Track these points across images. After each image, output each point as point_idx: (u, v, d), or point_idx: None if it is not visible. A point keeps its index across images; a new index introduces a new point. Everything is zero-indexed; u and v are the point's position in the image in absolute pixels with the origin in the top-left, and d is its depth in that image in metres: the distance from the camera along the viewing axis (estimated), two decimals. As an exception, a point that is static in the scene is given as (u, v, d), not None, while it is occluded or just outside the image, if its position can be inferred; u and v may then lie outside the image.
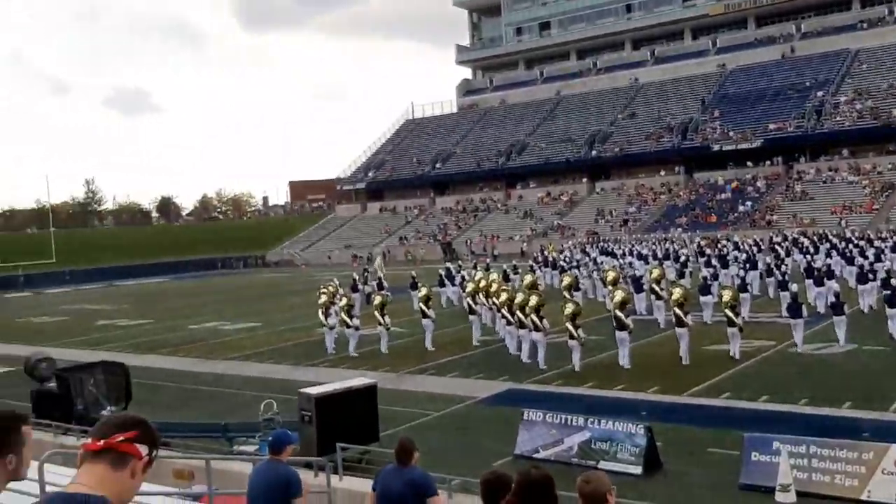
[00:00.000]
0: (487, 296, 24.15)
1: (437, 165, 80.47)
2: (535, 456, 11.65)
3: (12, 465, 2.45)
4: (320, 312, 23.49)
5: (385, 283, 33.91)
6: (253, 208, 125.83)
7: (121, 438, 2.12)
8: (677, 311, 18.38)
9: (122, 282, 62.06)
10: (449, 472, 9.41)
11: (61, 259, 63.95)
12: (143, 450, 2.15)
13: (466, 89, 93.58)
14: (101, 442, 2.11)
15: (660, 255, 38.57)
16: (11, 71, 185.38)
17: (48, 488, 6.32)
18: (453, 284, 32.78)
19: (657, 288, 24.38)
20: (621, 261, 38.00)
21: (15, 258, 61.16)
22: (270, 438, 6.40)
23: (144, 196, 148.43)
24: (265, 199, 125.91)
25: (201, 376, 21.36)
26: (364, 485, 6.68)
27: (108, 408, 14.72)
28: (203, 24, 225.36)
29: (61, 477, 7.25)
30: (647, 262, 35.63)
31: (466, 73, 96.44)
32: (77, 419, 13.72)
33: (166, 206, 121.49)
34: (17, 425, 2.46)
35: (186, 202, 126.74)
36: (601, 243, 49.75)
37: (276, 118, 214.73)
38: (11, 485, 2.56)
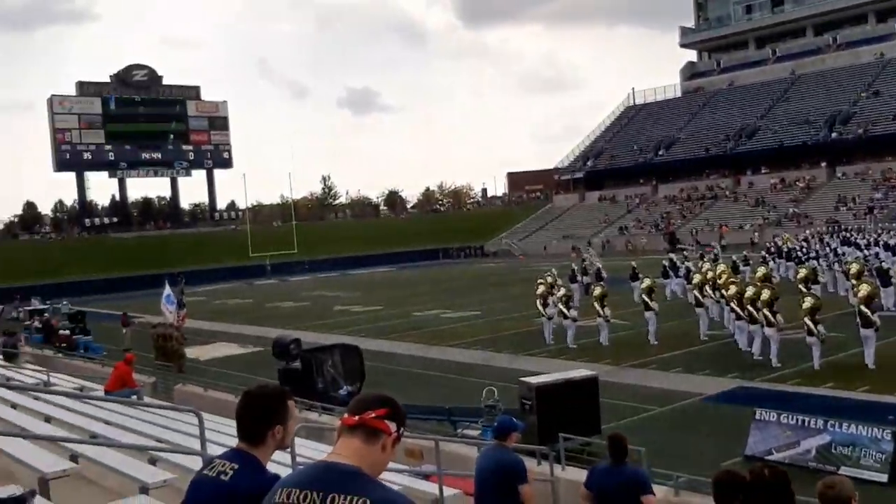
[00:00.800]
0: (715, 288, 23.14)
1: (660, 152, 77.99)
2: (768, 458, 11.03)
3: (280, 436, 2.75)
4: (538, 303, 23.62)
5: (604, 274, 33.50)
6: (472, 200, 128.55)
7: (373, 415, 2.29)
8: (934, 307, 16.62)
9: (354, 271, 66.29)
10: (673, 469, 9.19)
11: (302, 250, 69.52)
12: (392, 426, 2.31)
13: (691, 72, 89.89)
14: (357, 418, 2.29)
15: (911, 245, 35.08)
16: (261, 78, 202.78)
17: (297, 458, 6.94)
18: (677, 276, 31.75)
19: (909, 282, 22.17)
20: (866, 252, 34.98)
21: (263, 249, 67.35)
22: (496, 424, 6.47)
23: (373, 190, 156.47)
24: (484, 190, 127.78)
25: (425, 361, 22.27)
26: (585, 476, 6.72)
27: (345, 387, 15.84)
28: (426, 24, 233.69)
29: (305, 448, 7.94)
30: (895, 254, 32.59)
31: (691, 55, 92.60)
32: (318, 396, 14.86)
33: (393, 200, 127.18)
34: (285, 399, 2.77)
35: (411, 195, 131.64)
36: (842, 233, 46.03)
37: (495, 110, 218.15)
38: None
